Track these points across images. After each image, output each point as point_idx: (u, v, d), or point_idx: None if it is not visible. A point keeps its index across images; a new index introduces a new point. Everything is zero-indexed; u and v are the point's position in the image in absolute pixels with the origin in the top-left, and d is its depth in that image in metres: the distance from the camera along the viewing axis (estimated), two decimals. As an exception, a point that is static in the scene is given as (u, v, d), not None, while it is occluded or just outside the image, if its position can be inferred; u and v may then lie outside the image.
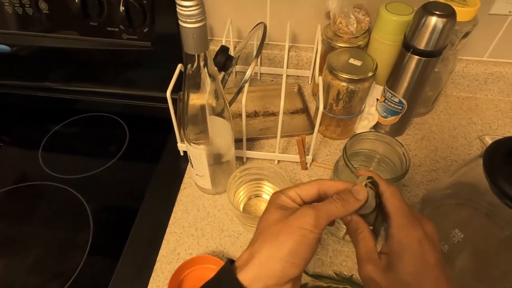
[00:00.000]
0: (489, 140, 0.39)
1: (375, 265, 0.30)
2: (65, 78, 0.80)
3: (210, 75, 0.43)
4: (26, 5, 0.67)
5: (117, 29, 0.68)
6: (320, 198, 0.34)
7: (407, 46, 0.54)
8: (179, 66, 0.55)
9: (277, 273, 0.29)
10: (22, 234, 0.56)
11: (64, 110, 0.76)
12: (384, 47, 0.63)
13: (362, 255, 0.31)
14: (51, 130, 0.72)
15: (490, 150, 0.37)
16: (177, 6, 0.35)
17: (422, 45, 0.52)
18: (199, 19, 0.36)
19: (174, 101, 0.54)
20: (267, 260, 0.29)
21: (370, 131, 0.66)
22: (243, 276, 0.29)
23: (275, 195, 0.34)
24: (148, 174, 0.62)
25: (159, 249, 0.52)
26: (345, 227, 0.50)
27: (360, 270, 0.31)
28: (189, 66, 0.41)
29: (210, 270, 0.48)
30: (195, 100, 0.44)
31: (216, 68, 0.56)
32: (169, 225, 0.54)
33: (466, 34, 0.58)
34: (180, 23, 0.36)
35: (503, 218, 0.39)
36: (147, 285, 0.48)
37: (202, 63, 0.41)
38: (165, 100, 0.53)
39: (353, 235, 0.33)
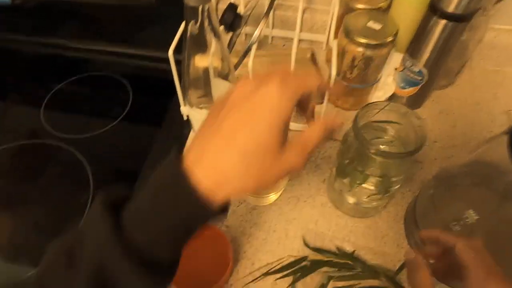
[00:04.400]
0: (517, 116, 0.35)
1: None
2: (68, 35, 0.77)
3: (214, 34, 0.39)
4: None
5: (120, -18, 0.64)
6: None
7: (434, 9, 0.49)
8: (183, 24, 0.52)
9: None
10: (22, 192, 0.56)
11: (67, 68, 0.74)
12: (408, 9, 0.57)
13: None
14: (54, 88, 0.70)
15: (518, 127, 0.33)
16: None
17: (451, 8, 0.47)
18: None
19: (179, 62, 0.51)
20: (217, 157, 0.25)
21: (384, 101, 0.62)
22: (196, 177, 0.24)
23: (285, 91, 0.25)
24: (151, 137, 0.60)
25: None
26: (350, 201, 0.48)
27: None
28: (191, 23, 0.38)
29: (204, 236, 0.46)
30: (198, 60, 0.41)
31: (221, 26, 0.52)
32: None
33: (501, -2, 0.53)
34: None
35: (522, 201, 0.36)
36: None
37: (206, 20, 0.37)
38: (169, 60, 0.50)
39: None
